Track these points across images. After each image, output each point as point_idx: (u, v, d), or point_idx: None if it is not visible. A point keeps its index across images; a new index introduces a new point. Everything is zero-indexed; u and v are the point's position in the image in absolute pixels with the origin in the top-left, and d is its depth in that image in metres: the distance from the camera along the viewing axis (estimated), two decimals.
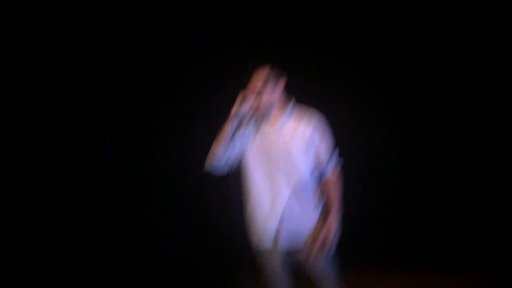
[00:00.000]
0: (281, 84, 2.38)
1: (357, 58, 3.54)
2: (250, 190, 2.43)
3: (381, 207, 3.66)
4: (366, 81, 3.58)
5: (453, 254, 3.67)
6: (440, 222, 3.72)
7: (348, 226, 2.46)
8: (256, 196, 2.40)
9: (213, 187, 3.26)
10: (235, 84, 2.38)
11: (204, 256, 3.60)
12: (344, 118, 3.01)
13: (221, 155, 2.35)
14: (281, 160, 2.35)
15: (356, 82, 3.57)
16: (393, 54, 3.55)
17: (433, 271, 3.61)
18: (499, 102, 3.50)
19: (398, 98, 3.64)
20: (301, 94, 2.48)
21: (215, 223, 3.55)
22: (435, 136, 3.69)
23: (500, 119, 3.52)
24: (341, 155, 2.47)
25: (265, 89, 2.31)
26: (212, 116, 2.68)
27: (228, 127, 2.29)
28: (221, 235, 3.53)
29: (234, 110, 2.26)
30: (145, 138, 3.58)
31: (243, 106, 2.26)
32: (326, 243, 2.31)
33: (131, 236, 3.53)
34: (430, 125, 3.68)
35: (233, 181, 2.62)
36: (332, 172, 2.41)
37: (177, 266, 3.60)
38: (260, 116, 2.41)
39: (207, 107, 3.33)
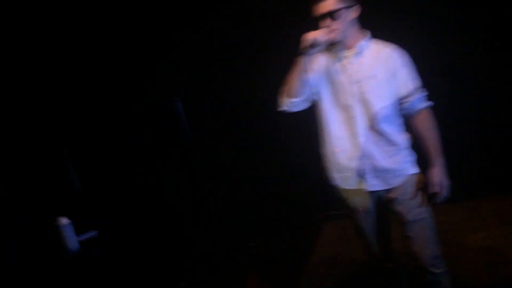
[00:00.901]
0: (355, 12, 2.16)
1: None
2: (327, 126, 2.26)
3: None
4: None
5: None
6: None
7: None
8: (335, 132, 2.24)
9: (288, 126, 3.10)
10: (305, 12, 2.19)
11: (283, 198, 3.55)
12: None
13: (296, 91, 2.19)
14: (361, 89, 2.15)
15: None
16: None
17: None
18: None
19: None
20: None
21: (292, 165, 3.46)
22: None
23: None
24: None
25: (337, 16, 2.10)
26: (284, 49, 2.50)
27: (301, 60, 2.12)
28: (298, 177, 3.45)
29: (305, 42, 2.08)
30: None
31: (315, 37, 2.06)
32: (437, 196, 2.15)
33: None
34: None
35: (309, 119, 2.42)
36: (423, 107, 2.19)
37: (254, 208, 3.58)
38: (333, 47, 2.22)
39: (278, 39, 3.19)
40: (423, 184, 2.21)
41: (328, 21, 2.10)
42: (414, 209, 2.20)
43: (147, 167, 3.36)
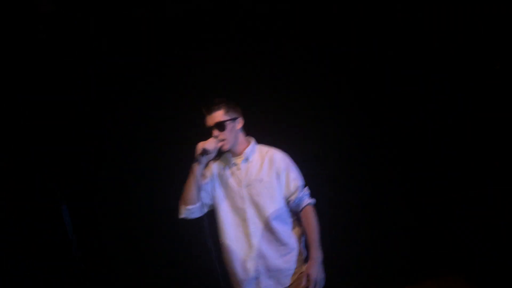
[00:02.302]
0: (240, 124, 2.39)
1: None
2: (223, 229, 2.39)
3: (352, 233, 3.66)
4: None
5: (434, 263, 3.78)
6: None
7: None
8: (230, 235, 2.36)
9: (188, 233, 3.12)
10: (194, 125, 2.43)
11: None
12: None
13: (192, 197, 2.32)
14: (250, 191, 2.33)
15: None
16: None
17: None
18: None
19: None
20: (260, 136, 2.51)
21: (193, 269, 3.42)
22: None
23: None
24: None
25: (224, 127, 2.31)
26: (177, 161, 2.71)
27: (195, 168, 2.27)
28: (199, 281, 3.36)
29: (197, 150, 2.26)
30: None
31: (205, 146, 2.25)
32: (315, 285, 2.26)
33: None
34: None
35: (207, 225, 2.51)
36: (306, 203, 2.38)
37: None
38: (224, 155, 2.43)
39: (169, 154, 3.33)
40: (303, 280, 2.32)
41: (216, 132, 2.31)
42: None
43: None
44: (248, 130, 2.46)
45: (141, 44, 3.35)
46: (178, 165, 2.62)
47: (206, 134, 2.32)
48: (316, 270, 2.27)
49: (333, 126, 3.66)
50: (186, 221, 2.42)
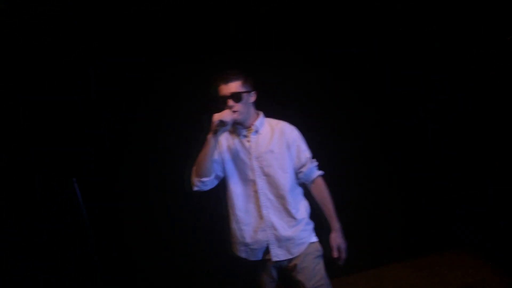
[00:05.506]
0: (254, 97, 2.40)
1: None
2: (233, 201, 2.39)
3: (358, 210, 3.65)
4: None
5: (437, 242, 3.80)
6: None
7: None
8: (241, 206, 2.37)
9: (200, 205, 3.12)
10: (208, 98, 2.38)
11: (192, 275, 3.43)
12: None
13: (206, 170, 2.32)
14: (261, 163, 2.35)
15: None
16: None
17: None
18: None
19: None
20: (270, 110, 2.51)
21: (201, 240, 3.40)
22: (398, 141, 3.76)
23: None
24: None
25: (241, 101, 2.31)
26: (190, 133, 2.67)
27: (210, 140, 2.26)
28: (207, 253, 3.38)
29: (214, 122, 2.24)
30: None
31: (222, 117, 2.23)
32: (340, 259, 2.35)
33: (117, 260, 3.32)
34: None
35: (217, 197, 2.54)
36: (316, 176, 2.42)
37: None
38: (235, 128, 2.42)
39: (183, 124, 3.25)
40: (320, 252, 2.40)
41: (231, 102, 2.29)
42: (313, 277, 2.33)
43: None
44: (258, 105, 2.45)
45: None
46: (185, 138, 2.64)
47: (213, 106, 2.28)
48: (342, 239, 2.37)
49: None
50: (200, 193, 2.40)
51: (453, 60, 3.57)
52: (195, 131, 2.47)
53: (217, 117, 2.23)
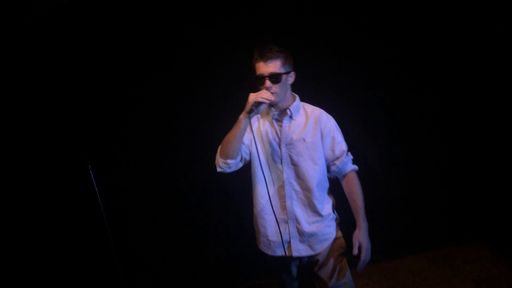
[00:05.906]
0: (292, 78, 2.20)
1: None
2: (257, 187, 2.26)
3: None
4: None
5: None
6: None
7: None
8: (264, 194, 2.22)
9: (220, 187, 3.08)
10: (243, 77, 2.24)
11: (209, 264, 3.37)
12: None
13: (234, 152, 2.16)
14: (290, 151, 2.19)
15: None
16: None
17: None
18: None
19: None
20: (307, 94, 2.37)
21: (221, 227, 3.32)
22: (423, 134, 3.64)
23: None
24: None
25: (279, 82, 2.12)
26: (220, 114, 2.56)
27: (243, 120, 2.10)
28: (226, 241, 3.31)
29: (250, 102, 2.07)
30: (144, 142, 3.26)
31: (258, 98, 2.06)
32: (359, 259, 2.17)
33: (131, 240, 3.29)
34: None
35: (241, 181, 2.42)
36: (349, 171, 2.24)
37: (181, 274, 3.38)
38: (269, 111, 2.26)
39: (215, 104, 3.11)
40: (344, 249, 2.27)
41: (269, 83, 2.09)
42: (335, 275, 2.22)
43: None
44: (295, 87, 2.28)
45: None
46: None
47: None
48: (366, 238, 2.17)
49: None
50: (223, 174, 2.26)
51: (453, 60, 3.40)
52: (218, 118, 2.34)
53: (253, 97, 2.06)
